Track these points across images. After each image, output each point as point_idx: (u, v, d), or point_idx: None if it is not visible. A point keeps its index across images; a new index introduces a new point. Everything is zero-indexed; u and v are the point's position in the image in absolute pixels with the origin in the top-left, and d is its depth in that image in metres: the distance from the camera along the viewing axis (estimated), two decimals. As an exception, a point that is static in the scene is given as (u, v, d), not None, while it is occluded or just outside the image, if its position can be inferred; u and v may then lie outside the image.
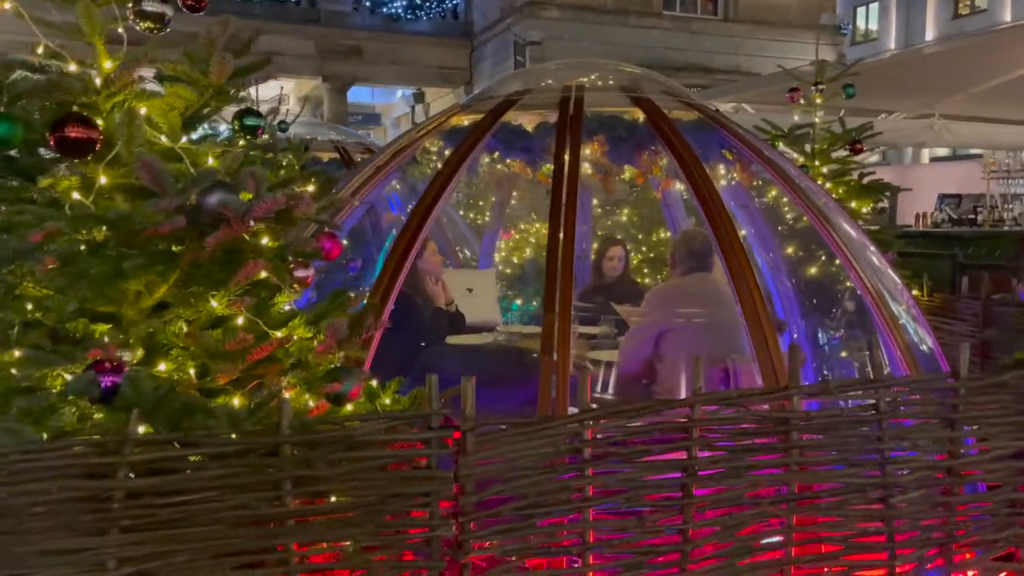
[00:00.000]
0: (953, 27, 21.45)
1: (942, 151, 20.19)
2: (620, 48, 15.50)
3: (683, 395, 3.46)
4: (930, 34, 22.04)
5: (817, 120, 5.69)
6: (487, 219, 6.19)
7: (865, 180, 5.85)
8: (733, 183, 3.97)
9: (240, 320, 2.07)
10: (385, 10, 18.50)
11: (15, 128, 1.85)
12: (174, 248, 1.98)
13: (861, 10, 24.74)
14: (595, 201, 6.49)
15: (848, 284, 3.89)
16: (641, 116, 3.68)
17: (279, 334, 2.16)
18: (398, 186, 4.64)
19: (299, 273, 2.21)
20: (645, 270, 7.30)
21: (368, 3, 18.41)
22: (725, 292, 3.82)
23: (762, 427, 2.31)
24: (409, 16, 18.68)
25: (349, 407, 2.26)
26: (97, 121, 1.88)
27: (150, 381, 1.88)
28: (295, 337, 2.21)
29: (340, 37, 17.76)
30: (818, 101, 5.67)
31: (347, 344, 2.22)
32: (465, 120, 3.88)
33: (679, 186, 4.78)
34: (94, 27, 2.04)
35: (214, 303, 2.02)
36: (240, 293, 2.06)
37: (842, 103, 5.94)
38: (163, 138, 2.06)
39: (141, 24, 2.02)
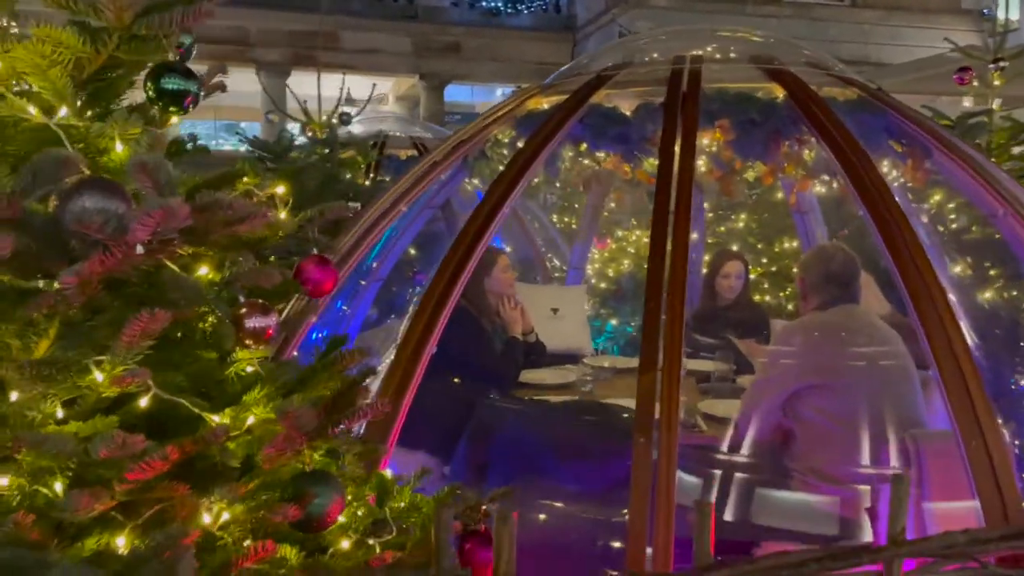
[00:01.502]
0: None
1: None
2: (734, 38, 14.22)
3: (840, 478, 2.50)
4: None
5: (995, 107, 4.51)
6: (577, 225, 5.30)
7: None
8: (903, 184, 2.96)
9: (144, 400, 1.28)
10: (484, 4, 17.78)
11: None
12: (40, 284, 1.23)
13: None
14: (706, 204, 5.53)
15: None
16: (780, 94, 2.73)
17: (216, 419, 1.38)
18: (469, 185, 3.81)
19: (252, 322, 1.41)
20: (765, 285, 6.25)
21: (467, -2, 17.78)
22: (884, 330, 2.82)
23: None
24: (509, 10, 17.90)
25: (328, 533, 1.44)
26: None
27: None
28: (250, 420, 1.42)
29: (437, 33, 17.13)
30: (996, 83, 4.50)
31: (320, 435, 1.41)
32: (545, 103, 3.03)
33: (819, 188, 3.77)
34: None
35: (98, 374, 1.24)
36: (146, 356, 1.28)
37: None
38: (32, 110, 1.29)
39: None
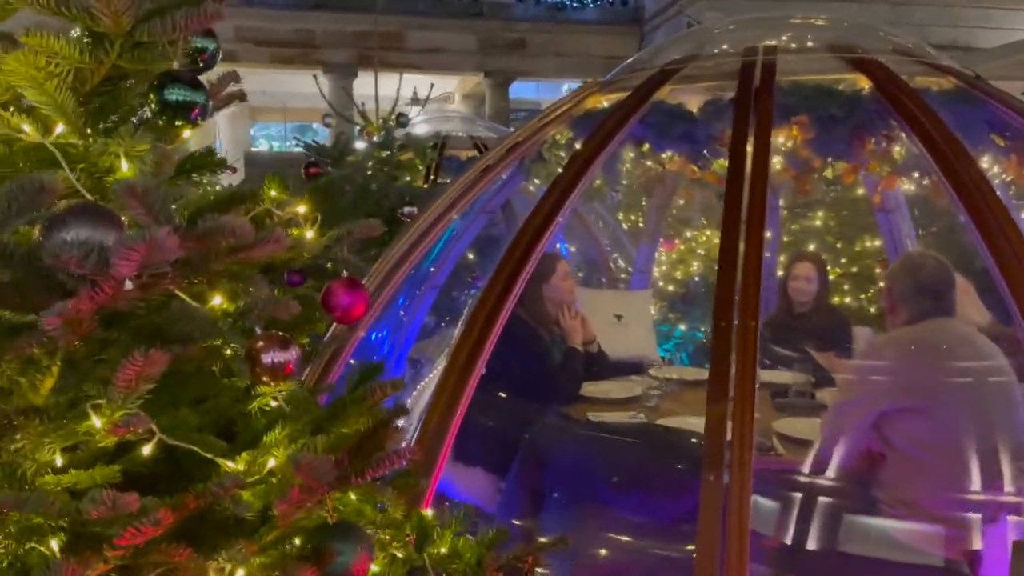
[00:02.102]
0: None
1: None
2: (810, 26, 13.64)
3: (938, 514, 2.24)
4: None
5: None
6: (643, 225, 5.07)
7: None
8: (1006, 181, 2.66)
9: (147, 448, 1.15)
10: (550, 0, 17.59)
11: None
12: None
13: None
14: (781, 201, 5.22)
15: None
16: (866, 85, 2.48)
17: (232, 465, 1.24)
18: (532, 186, 3.62)
19: (270, 357, 1.27)
20: (846, 286, 5.90)
21: (532, -8, 17.59)
22: (984, 344, 2.54)
23: None
24: (575, 4, 17.65)
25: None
26: None
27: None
28: (271, 463, 1.28)
29: (503, 30, 16.99)
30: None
31: (342, 484, 1.26)
32: (604, 101, 2.83)
33: (907, 185, 3.46)
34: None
35: (96, 420, 1.12)
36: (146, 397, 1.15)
37: None
38: (26, 128, 1.17)
39: None
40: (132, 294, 1.04)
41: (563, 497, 2.50)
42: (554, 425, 2.88)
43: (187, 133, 1.33)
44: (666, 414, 3.14)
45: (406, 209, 4.29)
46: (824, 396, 3.21)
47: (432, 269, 4.18)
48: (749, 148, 2.24)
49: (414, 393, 3.25)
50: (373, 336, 4.06)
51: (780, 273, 4.50)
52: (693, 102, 2.62)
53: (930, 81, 2.58)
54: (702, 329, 5.05)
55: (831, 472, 2.46)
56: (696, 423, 2.99)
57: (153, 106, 1.19)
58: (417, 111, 13.77)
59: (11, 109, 1.19)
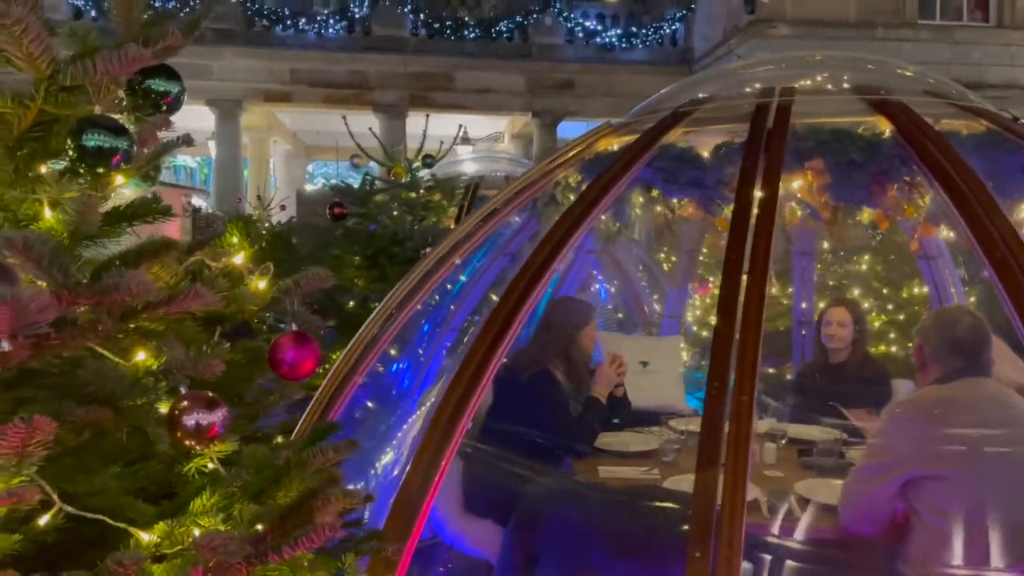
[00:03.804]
0: None
1: None
2: (863, 65, 13.37)
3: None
4: None
5: None
6: (673, 269, 4.92)
7: None
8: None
9: (45, 518, 1.07)
10: (598, 40, 17.64)
11: None
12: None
13: None
14: (825, 244, 5.02)
15: None
16: (887, 128, 2.33)
17: (146, 536, 1.15)
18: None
19: (193, 419, 1.18)
20: (891, 335, 5.62)
21: (581, 34, 17.66)
22: (1022, 407, 2.33)
23: None
24: (624, 45, 17.68)
25: None
26: None
27: None
28: (196, 533, 1.18)
29: (551, 71, 17.10)
30: None
31: (264, 559, 1.15)
32: (615, 144, 2.73)
33: (948, 232, 3.27)
34: None
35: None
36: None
37: None
38: (-60, 174, 1.12)
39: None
40: (19, 354, 0.97)
41: (555, 562, 2.35)
42: (549, 484, 2.74)
43: (121, 179, 1.28)
44: (684, 470, 2.97)
45: (428, 250, 4.23)
46: (855, 456, 3.01)
47: (452, 307, 4.11)
48: (757, 194, 2.11)
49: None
50: (395, 367, 3.99)
51: (815, 321, 4.30)
52: (705, 145, 2.50)
53: (960, 124, 2.42)
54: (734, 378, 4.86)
55: (851, 544, 2.27)
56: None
57: (71, 152, 1.13)
58: (469, 151, 13.91)
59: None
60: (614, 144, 2.73)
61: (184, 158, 22.40)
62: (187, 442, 1.19)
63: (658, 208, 2.59)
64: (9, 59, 1.11)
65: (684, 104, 2.65)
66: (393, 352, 3.96)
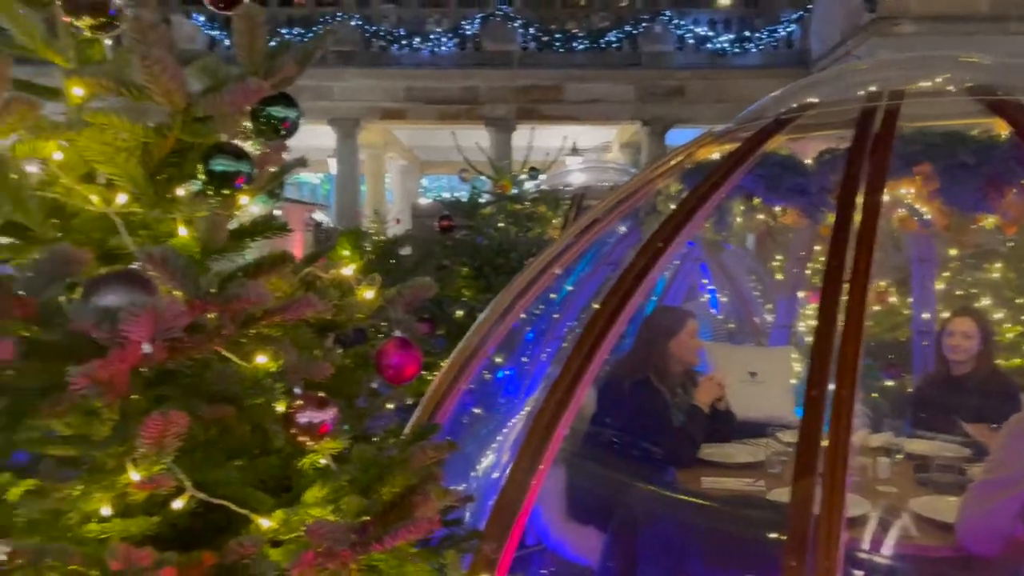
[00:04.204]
0: None
1: None
2: (996, 61, 12.56)
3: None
4: None
5: None
6: (784, 278, 4.80)
7: None
8: None
9: (179, 502, 1.20)
10: (710, 46, 17.36)
11: None
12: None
13: None
14: (952, 251, 4.79)
15: None
16: (1005, 130, 2.23)
17: (265, 523, 1.27)
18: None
19: (306, 417, 1.29)
20: (1024, 348, 5.28)
21: (692, 40, 17.43)
22: None
23: None
24: (737, 50, 17.33)
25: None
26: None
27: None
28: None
29: (661, 78, 16.95)
30: None
31: (367, 548, 1.24)
32: (716, 152, 2.73)
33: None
34: (33, 36, 1.35)
35: (134, 474, 1.18)
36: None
37: None
38: (93, 198, 1.28)
39: (76, 21, 1.27)
40: (158, 356, 1.10)
41: (653, 569, 2.36)
42: (650, 491, 2.75)
43: (245, 199, 1.41)
44: (790, 483, 2.91)
45: (531, 260, 4.32)
46: (975, 474, 2.87)
47: (555, 316, 4.18)
48: (860, 198, 2.07)
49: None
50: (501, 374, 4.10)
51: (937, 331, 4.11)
52: (808, 152, 2.47)
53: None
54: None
55: (967, 561, 2.18)
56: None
57: (202, 176, 1.27)
58: (579, 161, 13.97)
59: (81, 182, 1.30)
60: (716, 152, 2.73)
61: (307, 175, 23.50)
62: (300, 438, 1.30)
63: (760, 216, 2.56)
64: (150, 94, 1.26)
65: (788, 110, 2.62)
66: (499, 359, 4.07)
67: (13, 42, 1.39)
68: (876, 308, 4.69)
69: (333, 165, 17.04)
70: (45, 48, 1.38)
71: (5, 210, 1.19)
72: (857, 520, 2.33)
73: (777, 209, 2.49)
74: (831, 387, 1.79)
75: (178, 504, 1.20)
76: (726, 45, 17.33)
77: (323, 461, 1.42)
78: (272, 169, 1.44)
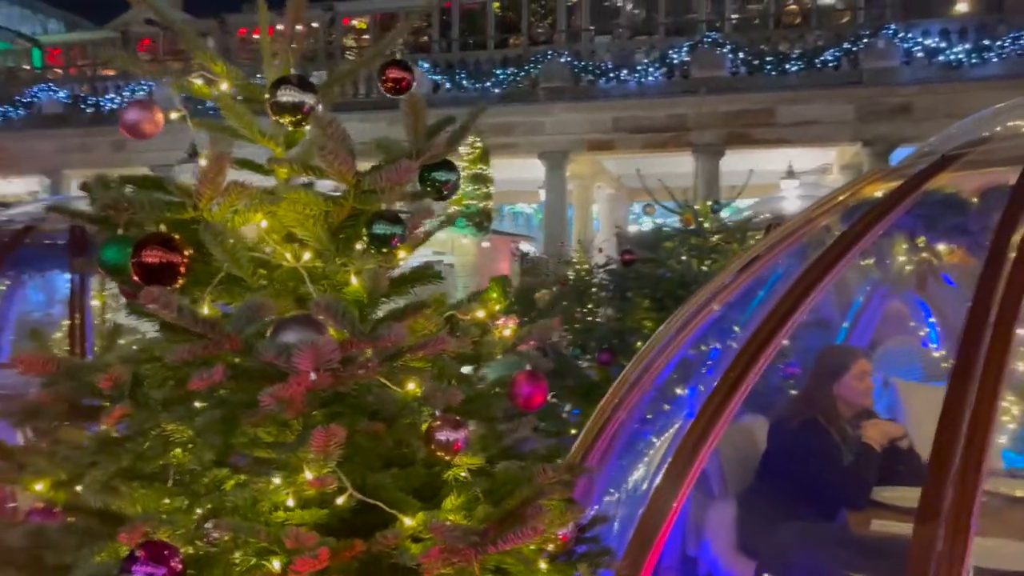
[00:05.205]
0: None
1: None
2: None
3: None
4: None
5: None
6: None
7: None
8: None
9: (340, 499, 1.50)
10: (942, 59, 16.09)
11: (123, 253, 1.62)
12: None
13: None
14: None
15: None
16: None
17: (409, 522, 1.54)
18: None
19: (443, 435, 1.56)
20: None
21: (921, 53, 16.26)
22: None
23: None
24: (973, 61, 15.92)
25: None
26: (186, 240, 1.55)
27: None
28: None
29: (884, 95, 15.93)
30: None
31: (485, 549, 1.47)
32: (879, 190, 2.71)
33: None
34: (248, 125, 1.75)
35: (308, 473, 1.50)
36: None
37: None
38: (288, 256, 1.64)
39: (280, 119, 1.64)
40: (324, 381, 1.40)
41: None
42: (802, 528, 2.73)
43: (403, 253, 1.71)
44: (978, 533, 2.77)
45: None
46: None
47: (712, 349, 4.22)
48: (1016, 239, 2.02)
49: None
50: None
51: None
52: (974, 191, 2.41)
53: None
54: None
55: None
56: (999, 548, 2.61)
57: (365, 238, 1.58)
58: (795, 185, 13.48)
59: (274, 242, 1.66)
60: (879, 190, 2.71)
61: (522, 205, 24.53)
62: (439, 453, 1.57)
63: (923, 255, 2.52)
64: (328, 174, 1.60)
65: (957, 147, 2.56)
66: (679, 391, 4.16)
67: (238, 133, 1.80)
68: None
69: (543, 195, 17.71)
70: (262, 137, 1.78)
71: (225, 266, 1.57)
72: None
73: (940, 248, 2.44)
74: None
75: (340, 501, 1.51)
76: (961, 56, 15.99)
77: (463, 474, 1.68)
78: (426, 227, 1.73)
